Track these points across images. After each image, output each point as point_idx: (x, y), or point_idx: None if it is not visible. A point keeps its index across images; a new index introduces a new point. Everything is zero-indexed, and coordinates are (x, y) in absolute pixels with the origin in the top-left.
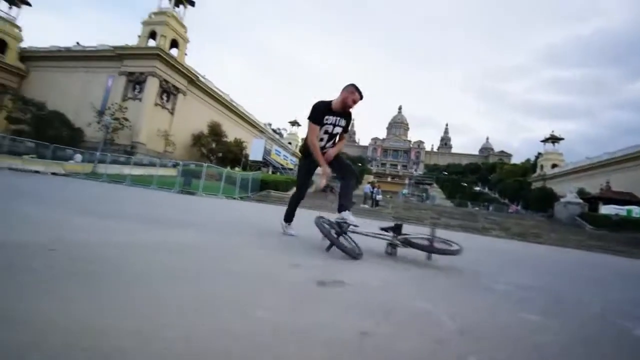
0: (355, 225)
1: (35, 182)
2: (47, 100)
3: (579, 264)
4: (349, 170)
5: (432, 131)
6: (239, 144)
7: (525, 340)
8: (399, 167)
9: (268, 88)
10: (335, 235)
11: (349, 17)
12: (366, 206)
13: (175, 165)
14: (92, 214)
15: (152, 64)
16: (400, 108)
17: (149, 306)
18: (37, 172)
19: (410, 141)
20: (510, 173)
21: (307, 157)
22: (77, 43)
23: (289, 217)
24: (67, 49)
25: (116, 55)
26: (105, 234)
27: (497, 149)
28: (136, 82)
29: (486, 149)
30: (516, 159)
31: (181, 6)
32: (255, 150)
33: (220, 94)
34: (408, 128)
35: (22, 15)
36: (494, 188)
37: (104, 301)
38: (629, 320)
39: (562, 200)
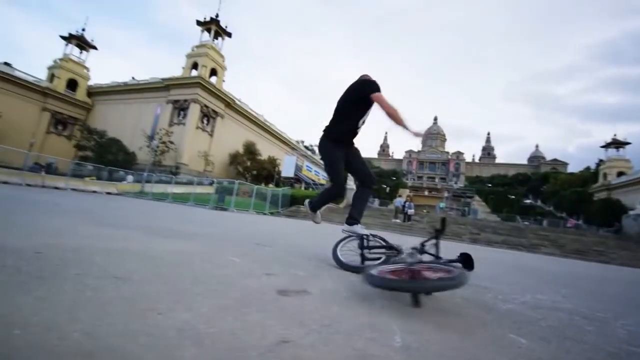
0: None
1: (84, 200)
2: (107, 129)
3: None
4: (370, 178)
5: (472, 141)
6: (272, 162)
7: None
8: (436, 180)
9: (301, 107)
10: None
11: (378, 29)
12: (397, 221)
13: (211, 183)
14: (108, 225)
15: (194, 91)
16: (435, 119)
17: (77, 305)
18: (94, 192)
19: (448, 152)
20: (567, 183)
21: (339, 142)
22: (133, 78)
23: (315, 208)
24: (125, 84)
25: (164, 86)
26: (107, 241)
27: (549, 157)
28: (180, 108)
29: (536, 158)
30: (573, 167)
31: (219, 38)
32: (287, 167)
33: (255, 115)
34: (445, 139)
35: (89, 57)
36: (548, 200)
37: (29, 298)
38: None
39: (631, 212)
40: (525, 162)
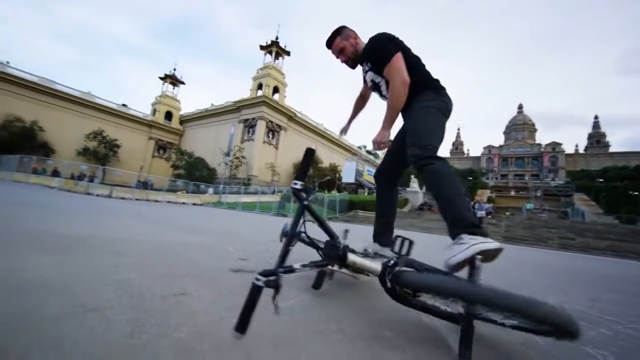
0: None
1: (168, 209)
2: (194, 150)
3: None
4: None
5: (573, 129)
6: (333, 169)
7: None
8: (526, 178)
9: (366, 113)
10: None
11: (445, 15)
12: None
13: (273, 192)
14: (156, 225)
15: (260, 109)
16: (520, 107)
17: (65, 263)
18: (183, 203)
19: (540, 145)
20: None
21: None
22: (212, 104)
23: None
24: (206, 110)
25: (236, 107)
26: (137, 234)
27: None
28: (250, 126)
29: None
30: None
31: (280, 57)
32: (347, 173)
33: (315, 124)
34: (535, 130)
35: (179, 91)
36: None
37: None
38: None
39: None
40: None
